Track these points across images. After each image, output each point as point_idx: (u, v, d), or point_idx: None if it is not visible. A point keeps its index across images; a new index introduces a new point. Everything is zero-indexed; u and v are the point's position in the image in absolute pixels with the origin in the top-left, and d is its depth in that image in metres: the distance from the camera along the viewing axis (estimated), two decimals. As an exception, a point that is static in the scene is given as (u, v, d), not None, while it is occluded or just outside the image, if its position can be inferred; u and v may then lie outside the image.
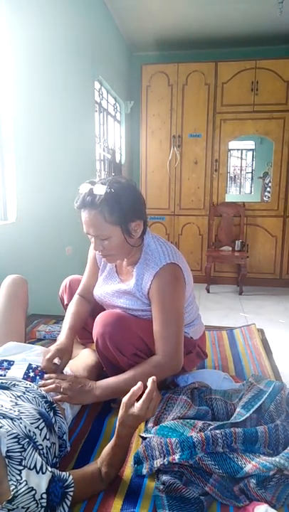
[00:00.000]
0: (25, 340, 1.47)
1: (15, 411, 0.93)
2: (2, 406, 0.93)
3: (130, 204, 1.16)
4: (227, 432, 1.00)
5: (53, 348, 1.24)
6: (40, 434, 0.93)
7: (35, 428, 0.93)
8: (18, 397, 1.01)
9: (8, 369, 1.17)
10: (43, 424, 0.96)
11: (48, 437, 0.95)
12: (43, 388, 1.09)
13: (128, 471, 1.03)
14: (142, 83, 4.23)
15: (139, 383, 0.91)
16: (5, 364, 1.18)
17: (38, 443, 0.90)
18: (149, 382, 0.92)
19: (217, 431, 1.01)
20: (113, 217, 1.14)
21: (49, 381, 1.12)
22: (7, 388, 1.03)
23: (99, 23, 3.41)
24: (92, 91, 3.31)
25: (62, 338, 1.30)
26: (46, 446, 0.93)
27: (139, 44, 4.49)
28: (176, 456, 0.97)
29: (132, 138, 4.76)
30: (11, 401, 0.97)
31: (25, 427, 0.89)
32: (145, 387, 0.92)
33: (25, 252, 2.16)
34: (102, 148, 3.83)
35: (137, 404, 0.90)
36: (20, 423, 0.89)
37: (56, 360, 1.23)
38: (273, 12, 3.29)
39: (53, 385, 1.10)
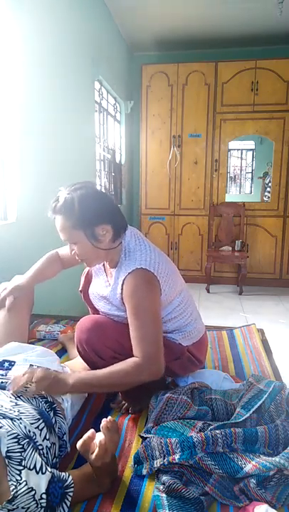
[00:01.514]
0: (28, 340, 1.48)
1: (15, 411, 0.93)
2: (2, 406, 0.93)
3: (90, 209, 1.15)
4: (227, 432, 1.00)
5: (11, 284, 1.37)
6: (40, 435, 0.93)
7: (35, 428, 0.93)
8: (18, 397, 1.01)
9: (9, 369, 1.17)
10: (43, 425, 0.96)
11: (47, 437, 0.96)
12: (11, 388, 1.04)
13: (128, 471, 1.04)
14: (142, 83, 4.23)
15: (91, 430, 0.89)
16: (6, 364, 1.18)
17: (38, 443, 0.90)
18: (102, 428, 0.89)
19: (217, 431, 1.01)
20: (73, 222, 1.14)
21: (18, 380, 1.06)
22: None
23: (99, 23, 3.41)
24: (92, 91, 3.31)
25: (24, 277, 1.42)
26: (46, 447, 0.93)
27: (139, 44, 4.49)
28: (176, 456, 0.97)
29: (132, 138, 4.76)
30: (11, 401, 0.97)
31: (25, 427, 0.89)
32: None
33: (25, 252, 2.16)
34: (102, 148, 3.83)
35: (93, 456, 0.87)
36: (20, 423, 0.89)
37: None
38: (273, 12, 3.29)
39: (21, 383, 1.04)
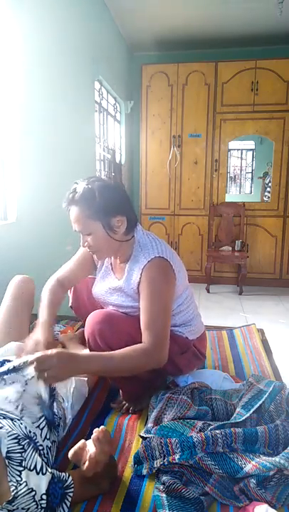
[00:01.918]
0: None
1: (16, 410, 0.93)
2: (2, 408, 0.93)
3: (109, 200, 1.19)
4: (227, 432, 1.00)
5: (29, 342, 1.18)
6: (40, 434, 0.93)
7: (36, 427, 0.93)
8: (24, 391, 1.01)
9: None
10: (44, 423, 0.96)
11: (48, 437, 0.96)
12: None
13: (128, 471, 1.04)
14: (142, 83, 4.23)
15: (82, 441, 0.89)
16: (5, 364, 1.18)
17: (38, 443, 0.90)
18: (93, 440, 0.88)
19: (217, 431, 1.01)
20: (92, 212, 1.18)
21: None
22: (11, 384, 1.04)
23: (99, 23, 3.41)
24: (92, 91, 3.31)
25: (38, 328, 1.24)
26: (47, 446, 0.93)
27: (139, 44, 4.49)
28: (176, 456, 0.97)
29: (132, 138, 4.76)
30: (10, 401, 0.97)
31: (26, 428, 0.89)
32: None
33: (25, 252, 2.16)
34: (102, 148, 3.83)
35: (84, 467, 0.86)
36: (21, 424, 0.89)
37: None
38: (273, 12, 3.29)
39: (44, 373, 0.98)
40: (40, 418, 0.96)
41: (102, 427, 0.92)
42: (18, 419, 0.90)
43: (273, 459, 0.94)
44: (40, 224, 2.31)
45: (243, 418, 1.08)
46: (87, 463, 0.85)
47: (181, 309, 1.36)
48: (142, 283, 1.22)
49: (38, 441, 0.91)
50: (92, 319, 1.23)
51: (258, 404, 1.12)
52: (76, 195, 1.18)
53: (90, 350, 1.25)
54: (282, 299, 3.88)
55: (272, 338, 2.11)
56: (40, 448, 0.91)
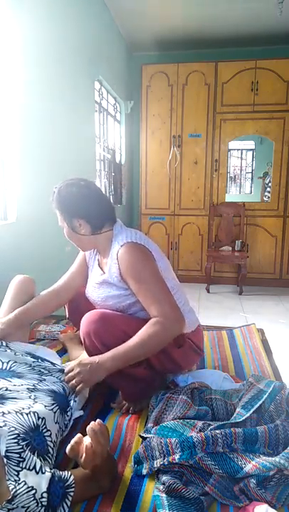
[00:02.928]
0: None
1: (30, 396, 0.99)
2: (18, 391, 1.02)
3: (68, 204, 1.31)
4: (227, 432, 1.00)
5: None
6: (53, 417, 0.99)
7: (50, 410, 0.99)
8: (41, 381, 1.10)
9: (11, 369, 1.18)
10: (56, 408, 1.03)
11: (58, 421, 1.01)
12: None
13: (128, 471, 1.04)
14: (142, 83, 4.23)
15: (78, 435, 0.90)
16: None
17: (45, 429, 0.94)
18: (88, 431, 0.90)
19: (217, 431, 1.01)
20: (59, 211, 1.33)
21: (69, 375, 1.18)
22: (22, 376, 1.07)
23: (99, 23, 3.41)
24: (92, 91, 3.31)
25: (5, 320, 1.38)
26: (56, 431, 0.97)
27: (139, 44, 4.49)
28: (176, 456, 0.97)
29: (132, 138, 4.76)
30: (28, 388, 1.04)
31: (35, 414, 0.93)
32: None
33: (25, 252, 2.16)
34: (102, 148, 3.83)
35: (82, 460, 0.87)
36: (28, 414, 0.92)
37: None
38: (273, 12, 3.29)
39: (72, 381, 1.15)
40: (53, 404, 1.02)
41: (98, 420, 0.92)
42: (33, 401, 0.94)
43: (273, 458, 0.94)
44: (40, 224, 2.31)
45: (243, 418, 1.08)
46: (84, 455, 0.86)
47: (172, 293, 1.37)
48: (124, 272, 1.26)
49: (45, 428, 0.93)
50: (86, 319, 1.24)
51: (257, 404, 1.12)
52: (55, 191, 1.33)
53: (87, 351, 1.27)
54: (282, 299, 3.88)
55: (272, 338, 2.11)
56: (47, 434, 0.93)
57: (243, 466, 0.95)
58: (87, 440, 0.88)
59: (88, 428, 0.89)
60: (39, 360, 1.27)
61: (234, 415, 1.11)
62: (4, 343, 1.27)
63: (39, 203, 2.31)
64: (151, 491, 0.97)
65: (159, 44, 4.46)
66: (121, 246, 1.27)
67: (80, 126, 2.99)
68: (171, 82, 4.17)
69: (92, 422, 0.91)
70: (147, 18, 3.85)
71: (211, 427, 1.05)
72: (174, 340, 1.29)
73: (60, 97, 2.58)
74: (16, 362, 1.19)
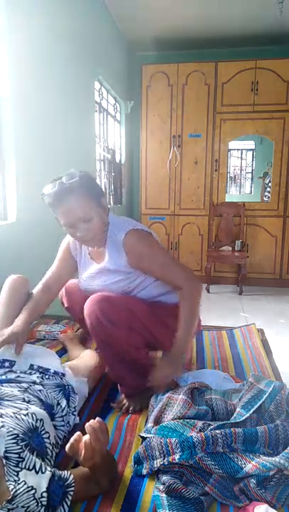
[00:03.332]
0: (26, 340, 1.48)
1: (24, 399, 0.99)
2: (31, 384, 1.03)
3: (95, 184, 1.32)
4: (227, 432, 1.00)
5: (7, 331, 1.26)
6: (50, 420, 0.99)
7: (46, 412, 0.98)
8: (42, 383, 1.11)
9: (10, 369, 1.17)
10: (62, 396, 1.08)
11: (65, 413, 1.05)
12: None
13: (128, 471, 1.04)
14: (142, 83, 4.23)
15: (77, 433, 0.90)
16: (6, 364, 1.18)
17: (44, 431, 0.94)
18: (86, 428, 0.89)
19: (217, 431, 1.01)
20: (92, 196, 1.26)
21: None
22: (18, 382, 1.07)
23: (99, 23, 3.41)
24: (92, 91, 3.31)
25: (18, 322, 1.32)
26: (54, 434, 0.98)
27: (139, 44, 4.49)
28: (176, 456, 0.97)
29: (132, 138, 4.76)
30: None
31: (34, 416, 0.93)
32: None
33: (25, 252, 2.16)
34: (102, 148, 3.83)
35: (81, 457, 0.87)
36: (27, 414, 0.92)
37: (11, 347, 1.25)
38: (273, 12, 3.29)
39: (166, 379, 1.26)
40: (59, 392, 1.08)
41: (97, 418, 0.92)
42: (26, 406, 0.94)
43: (273, 459, 0.94)
44: (40, 224, 2.31)
45: (243, 418, 1.08)
46: (83, 452, 0.86)
47: (150, 285, 1.42)
48: (134, 259, 1.31)
49: (42, 432, 0.93)
50: (90, 301, 1.26)
51: (257, 405, 1.11)
52: (72, 183, 1.22)
53: (93, 334, 1.27)
54: (282, 299, 3.88)
55: (272, 338, 2.11)
56: (46, 436, 0.93)
57: (243, 466, 0.95)
58: (85, 437, 0.89)
59: (87, 425, 0.89)
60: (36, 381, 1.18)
61: (234, 415, 1.11)
62: (7, 364, 1.22)
63: (39, 203, 2.31)
64: (151, 491, 0.96)
65: (159, 44, 4.47)
66: (126, 234, 1.30)
67: (80, 126, 2.99)
68: (171, 82, 4.17)
69: (92, 420, 0.91)
70: (147, 18, 3.85)
71: (211, 427, 1.05)
72: (175, 314, 1.32)
73: (60, 97, 2.58)
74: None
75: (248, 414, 1.09)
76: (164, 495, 0.93)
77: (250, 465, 0.94)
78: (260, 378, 1.24)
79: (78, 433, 0.90)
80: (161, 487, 0.95)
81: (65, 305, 1.66)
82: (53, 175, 2.65)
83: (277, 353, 1.89)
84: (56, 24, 2.46)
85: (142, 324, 1.30)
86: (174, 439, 1.01)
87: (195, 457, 0.97)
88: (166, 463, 0.97)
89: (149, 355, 1.37)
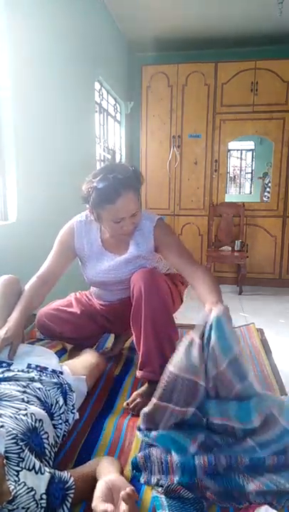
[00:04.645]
0: (23, 340, 1.47)
1: (24, 399, 0.98)
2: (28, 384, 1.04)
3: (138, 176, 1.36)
4: (232, 458, 0.97)
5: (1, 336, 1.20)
6: (49, 420, 0.98)
7: (45, 412, 0.98)
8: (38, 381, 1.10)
9: (8, 369, 1.17)
10: (60, 395, 1.09)
11: (62, 411, 1.05)
12: None
13: (127, 470, 1.04)
14: (142, 84, 4.23)
15: (111, 508, 0.79)
16: (4, 364, 1.18)
17: (43, 431, 0.94)
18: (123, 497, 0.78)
19: (221, 456, 0.98)
20: (139, 191, 1.35)
21: None
22: (16, 380, 1.06)
23: (99, 23, 3.42)
24: (92, 91, 3.32)
25: (10, 323, 1.26)
26: (53, 434, 0.98)
27: (139, 44, 4.49)
28: (176, 478, 0.95)
29: (132, 138, 4.76)
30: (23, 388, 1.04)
31: (33, 416, 0.93)
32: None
33: (25, 252, 2.16)
34: (102, 149, 3.83)
35: None
36: (26, 414, 0.92)
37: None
38: (273, 12, 3.29)
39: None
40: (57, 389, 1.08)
41: (129, 488, 0.80)
42: (25, 406, 0.94)
43: (278, 479, 0.93)
44: (40, 224, 2.32)
45: (258, 456, 0.99)
46: None
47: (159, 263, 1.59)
48: (158, 244, 1.44)
49: (42, 432, 0.92)
50: (136, 278, 1.35)
51: (277, 449, 1.03)
52: (129, 178, 1.28)
53: (142, 303, 1.31)
54: (281, 299, 3.88)
55: (272, 338, 2.11)
56: (45, 437, 0.92)
57: (246, 484, 0.93)
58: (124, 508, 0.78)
59: (124, 494, 0.78)
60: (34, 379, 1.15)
61: (247, 445, 1.02)
62: (5, 364, 1.20)
63: (39, 203, 2.32)
64: (151, 491, 0.97)
65: (158, 44, 4.47)
66: (156, 222, 1.43)
67: (80, 126, 3.00)
68: (171, 82, 4.17)
69: (124, 493, 0.78)
70: (147, 19, 3.86)
71: (215, 449, 1.01)
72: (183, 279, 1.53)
73: (60, 98, 2.58)
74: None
75: (262, 456, 1.00)
76: (163, 496, 0.93)
77: (253, 484, 0.93)
78: (281, 406, 1.13)
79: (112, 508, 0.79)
80: (160, 489, 0.94)
81: (43, 336, 1.68)
82: (54, 175, 2.66)
83: (277, 353, 1.89)
84: (56, 25, 2.46)
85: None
86: (176, 458, 0.98)
87: (195, 479, 0.95)
88: (163, 483, 0.95)
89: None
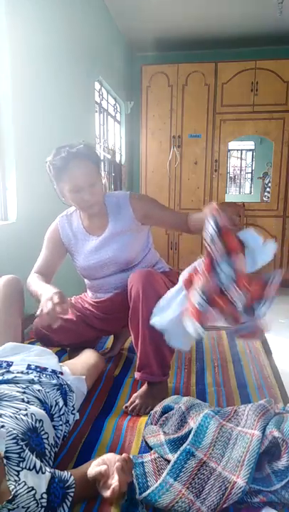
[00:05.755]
0: (23, 340, 1.47)
1: (24, 399, 0.98)
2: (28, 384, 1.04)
3: (96, 151, 1.44)
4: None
5: (54, 293, 1.25)
6: (49, 421, 0.98)
7: (45, 413, 0.98)
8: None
9: (8, 370, 1.17)
10: (59, 396, 1.09)
11: (62, 412, 1.05)
12: None
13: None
14: (142, 84, 4.23)
15: (105, 467, 0.86)
16: (4, 365, 1.18)
17: (44, 431, 0.94)
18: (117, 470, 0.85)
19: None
20: (95, 163, 1.39)
21: None
22: (16, 382, 1.06)
23: (99, 23, 3.42)
24: (92, 91, 3.32)
25: (48, 287, 1.34)
26: (53, 435, 0.98)
27: (139, 44, 4.49)
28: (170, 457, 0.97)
29: (132, 138, 4.76)
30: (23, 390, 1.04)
31: (33, 416, 0.93)
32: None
33: (25, 252, 2.16)
34: (102, 149, 3.83)
35: (107, 494, 0.84)
36: (27, 413, 0.92)
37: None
38: (273, 12, 3.29)
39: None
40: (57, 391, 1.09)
41: (124, 454, 0.89)
42: (26, 407, 0.94)
43: (281, 493, 0.91)
44: (40, 224, 2.31)
45: (274, 488, 0.93)
46: (109, 492, 0.83)
47: (151, 249, 1.62)
48: (141, 212, 1.47)
49: (42, 432, 0.92)
50: (133, 279, 1.36)
51: None
52: (79, 149, 1.35)
53: (138, 306, 1.33)
54: (282, 299, 3.87)
55: (272, 338, 2.11)
56: (45, 437, 0.92)
57: (249, 500, 0.92)
58: (112, 472, 0.85)
59: (118, 466, 0.85)
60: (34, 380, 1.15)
61: (264, 475, 0.96)
62: (5, 364, 1.20)
63: (39, 203, 2.32)
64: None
65: (158, 44, 4.47)
66: (128, 195, 1.48)
67: (80, 126, 3.00)
68: (171, 82, 4.17)
69: (120, 458, 0.87)
70: (147, 19, 3.86)
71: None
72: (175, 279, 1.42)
73: (60, 98, 2.58)
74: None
75: (278, 485, 0.93)
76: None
77: (258, 499, 0.91)
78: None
79: (106, 467, 0.86)
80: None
81: (74, 318, 1.65)
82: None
83: (277, 353, 1.89)
84: (56, 25, 2.46)
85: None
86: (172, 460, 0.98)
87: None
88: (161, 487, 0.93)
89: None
